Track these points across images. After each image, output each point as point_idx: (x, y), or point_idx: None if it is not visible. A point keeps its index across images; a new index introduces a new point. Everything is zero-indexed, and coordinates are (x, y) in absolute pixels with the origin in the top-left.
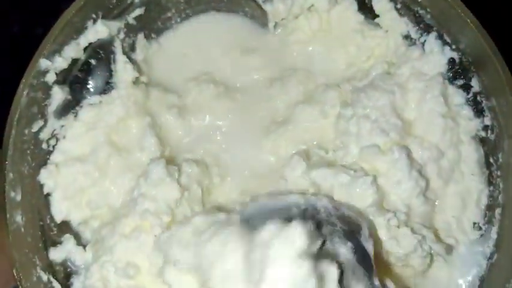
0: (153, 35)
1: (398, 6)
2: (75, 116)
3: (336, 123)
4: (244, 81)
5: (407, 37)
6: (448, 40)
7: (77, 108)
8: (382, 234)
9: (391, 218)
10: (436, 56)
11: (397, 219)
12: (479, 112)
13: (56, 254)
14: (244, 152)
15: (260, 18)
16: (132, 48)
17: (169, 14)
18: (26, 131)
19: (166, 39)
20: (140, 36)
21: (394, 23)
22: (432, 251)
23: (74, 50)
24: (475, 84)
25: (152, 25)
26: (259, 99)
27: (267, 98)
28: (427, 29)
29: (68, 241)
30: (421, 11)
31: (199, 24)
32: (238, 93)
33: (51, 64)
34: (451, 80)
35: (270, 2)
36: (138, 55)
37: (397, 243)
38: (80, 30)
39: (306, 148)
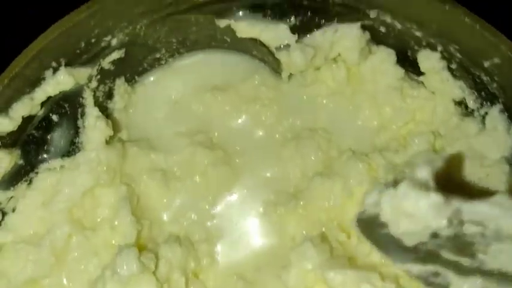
0: (136, 78)
1: (454, 66)
2: (29, 184)
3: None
4: (248, 139)
5: (460, 103)
6: None
7: (31, 174)
8: None
9: None
10: (500, 135)
11: None
12: None
13: None
14: (241, 228)
15: (271, 63)
16: (109, 95)
17: (157, 55)
18: None
19: (153, 80)
20: (119, 81)
21: (445, 85)
22: None
23: (26, 107)
24: None
25: (136, 67)
26: (266, 162)
27: (275, 161)
28: (490, 98)
29: None
30: (484, 77)
31: (196, 62)
32: (238, 158)
33: None
34: None
35: (285, 51)
36: (117, 103)
37: None
38: (35, 82)
39: (322, 231)
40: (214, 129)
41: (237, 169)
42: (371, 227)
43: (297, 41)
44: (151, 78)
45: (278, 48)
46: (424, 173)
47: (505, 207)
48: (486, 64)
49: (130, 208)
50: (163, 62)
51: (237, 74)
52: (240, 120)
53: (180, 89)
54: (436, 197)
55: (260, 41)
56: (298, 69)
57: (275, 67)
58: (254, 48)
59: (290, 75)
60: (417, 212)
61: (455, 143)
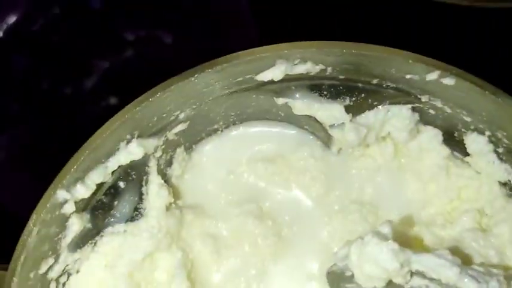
0: (193, 146)
1: (500, 150)
2: (94, 247)
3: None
4: (296, 211)
5: (505, 185)
6: None
7: (97, 238)
8: None
9: None
10: None
11: None
12: None
13: None
14: None
15: (323, 137)
16: (169, 163)
17: (215, 126)
18: (32, 275)
19: (208, 149)
20: (179, 150)
21: (490, 167)
22: None
23: (100, 176)
24: None
25: (195, 137)
26: (312, 237)
27: (323, 232)
28: None
29: None
30: None
31: (249, 133)
32: (286, 228)
33: (71, 195)
34: None
35: (339, 128)
36: (175, 170)
37: None
38: (110, 153)
39: None
40: (264, 199)
41: (285, 239)
42: (338, 280)
43: (350, 120)
44: (207, 147)
45: (332, 126)
46: (386, 229)
47: (445, 259)
48: None
49: (185, 273)
50: (219, 132)
51: (288, 146)
52: (289, 191)
53: (232, 158)
54: (393, 244)
55: (315, 118)
56: (350, 146)
57: (326, 141)
58: (307, 123)
59: (339, 150)
60: (378, 256)
61: (501, 224)
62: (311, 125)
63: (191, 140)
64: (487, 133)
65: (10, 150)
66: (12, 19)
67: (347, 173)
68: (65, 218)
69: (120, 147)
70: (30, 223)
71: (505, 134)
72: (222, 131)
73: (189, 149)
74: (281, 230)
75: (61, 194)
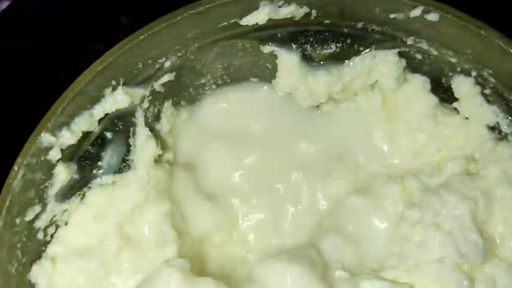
0: (182, 103)
1: (487, 91)
2: (82, 199)
3: (396, 225)
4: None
5: (494, 129)
6: None
7: (85, 189)
8: None
9: None
10: None
11: None
12: None
13: None
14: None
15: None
16: (157, 117)
17: (203, 80)
18: (18, 221)
19: (198, 107)
20: (167, 104)
21: (478, 111)
22: None
23: (86, 122)
24: None
25: (182, 92)
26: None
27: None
28: None
29: None
30: None
31: (238, 94)
32: (280, 184)
33: (56, 140)
34: None
35: (324, 74)
36: (164, 126)
37: None
38: (96, 99)
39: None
40: (256, 158)
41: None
42: None
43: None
44: (196, 105)
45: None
46: None
47: None
48: None
49: (173, 225)
50: (207, 89)
51: (277, 105)
52: (281, 151)
53: (222, 117)
54: None
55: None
56: (332, 92)
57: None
58: None
59: (327, 101)
60: None
61: (489, 166)
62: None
63: (179, 95)
64: (474, 73)
65: None
66: (5, 3)
67: (335, 127)
68: (51, 166)
69: (106, 94)
70: (15, 166)
71: (491, 72)
72: (210, 87)
73: (177, 105)
74: (275, 185)
75: (46, 138)
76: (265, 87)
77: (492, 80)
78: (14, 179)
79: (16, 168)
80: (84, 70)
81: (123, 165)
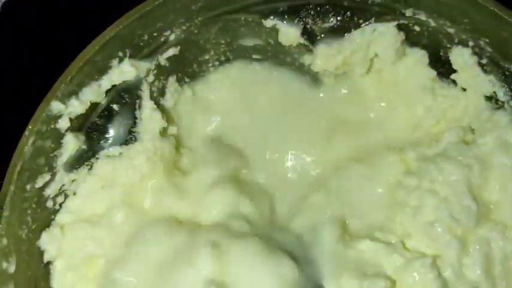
0: (186, 79)
1: (484, 61)
2: (90, 170)
3: (393, 192)
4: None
5: (491, 98)
6: None
7: (93, 160)
8: None
9: None
10: None
11: None
12: None
13: None
14: None
15: (310, 71)
16: (162, 93)
17: (206, 57)
18: (28, 187)
19: (201, 85)
20: (171, 80)
21: (475, 81)
22: None
23: (94, 93)
24: None
25: (186, 68)
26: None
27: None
28: None
29: None
30: None
31: (240, 71)
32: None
33: (65, 108)
34: None
35: (324, 47)
36: (168, 101)
37: None
38: (103, 70)
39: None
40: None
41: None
42: None
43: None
44: (199, 82)
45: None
46: None
47: None
48: None
49: (180, 195)
50: (210, 66)
51: (277, 83)
52: (280, 127)
53: (224, 96)
54: None
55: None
56: (334, 65)
57: (315, 75)
58: (295, 52)
59: (328, 77)
60: None
61: (486, 134)
62: (300, 53)
63: (183, 70)
64: (471, 43)
65: None
66: None
67: (337, 104)
68: (60, 135)
69: (113, 66)
70: (26, 132)
71: (487, 41)
72: (213, 64)
73: (181, 81)
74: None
75: (56, 105)
76: (267, 64)
77: (488, 49)
78: (25, 145)
79: (27, 134)
80: None
81: (130, 137)
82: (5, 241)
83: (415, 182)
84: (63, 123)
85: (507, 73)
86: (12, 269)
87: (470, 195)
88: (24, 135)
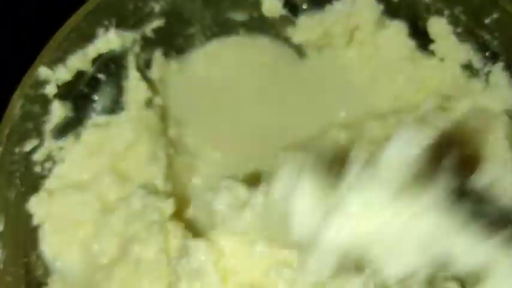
0: (172, 53)
1: (459, 30)
2: (77, 138)
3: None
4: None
5: (467, 67)
6: None
7: (80, 128)
8: None
9: None
10: (502, 90)
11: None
12: None
13: None
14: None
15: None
16: (148, 65)
17: (192, 30)
18: (17, 150)
19: (187, 59)
20: (158, 53)
21: (452, 50)
22: None
23: (80, 61)
24: None
25: (172, 41)
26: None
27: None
28: (492, 57)
29: (56, 284)
30: (486, 36)
31: (227, 46)
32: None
33: (53, 74)
34: None
35: (306, 19)
36: (154, 74)
37: None
38: (89, 38)
39: None
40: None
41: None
42: None
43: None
44: (186, 56)
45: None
46: None
47: None
48: (487, 21)
49: (167, 161)
50: (197, 41)
51: (264, 57)
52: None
53: (211, 70)
54: None
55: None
56: (315, 36)
57: (300, 47)
58: (280, 25)
59: (310, 49)
60: None
61: (462, 100)
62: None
63: (169, 44)
64: (446, 12)
65: None
66: None
67: (320, 75)
68: (48, 100)
69: (99, 34)
70: (15, 95)
71: (461, 9)
72: (199, 40)
73: (167, 55)
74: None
75: (43, 71)
76: (252, 38)
77: (463, 17)
78: (14, 108)
79: (15, 98)
80: None
81: (116, 107)
82: None
83: None
84: (51, 89)
85: (481, 41)
86: (0, 228)
87: None
88: (13, 99)
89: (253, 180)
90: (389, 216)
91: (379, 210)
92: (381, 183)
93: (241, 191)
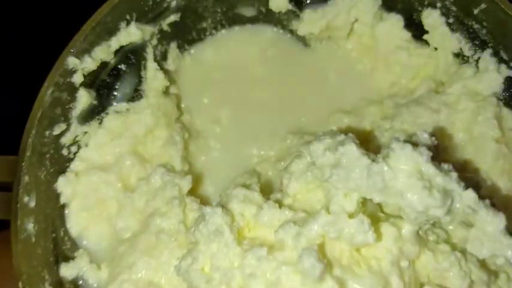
0: (186, 46)
1: (451, 20)
2: (100, 123)
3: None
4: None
5: (458, 55)
6: (505, 57)
7: (103, 114)
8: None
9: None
10: (491, 75)
11: (436, 235)
12: None
13: (67, 271)
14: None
15: (299, 37)
16: (164, 57)
17: (204, 25)
18: (47, 133)
19: (199, 51)
20: (173, 46)
21: (444, 39)
22: (474, 276)
23: (104, 52)
24: None
25: (186, 35)
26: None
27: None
28: (481, 45)
29: (82, 257)
30: (475, 26)
31: (234, 36)
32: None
33: (80, 63)
34: (508, 100)
35: (310, 12)
36: (170, 65)
37: (433, 256)
38: (112, 31)
39: None
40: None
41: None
42: None
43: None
44: (197, 48)
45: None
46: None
47: None
48: (476, 11)
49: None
50: (208, 34)
51: (268, 47)
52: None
53: (220, 61)
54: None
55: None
56: (319, 29)
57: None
58: (284, 19)
59: (314, 40)
60: None
61: (453, 84)
62: (289, 20)
63: (184, 37)
64: (438, 5)
65: None
66: None
67: (324, 63)
68: (75, 89)
69: (121, 28)
70: (46, 83)
71: (452, 1)
72: (210, 32)
73: (182, 48)
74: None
75: (71, 60)
76: (259, 31)
77: (453, 8)
78: (45, 95)
79: (46, 85)
80: None
81: (136, 95)
82: (26, 178)
83: (388, 124)
84: (77, 78)
85: (470, 30)
86: (32, 204)
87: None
88: (44, 86)
89: None
90: None
91: None
92: None
93: None
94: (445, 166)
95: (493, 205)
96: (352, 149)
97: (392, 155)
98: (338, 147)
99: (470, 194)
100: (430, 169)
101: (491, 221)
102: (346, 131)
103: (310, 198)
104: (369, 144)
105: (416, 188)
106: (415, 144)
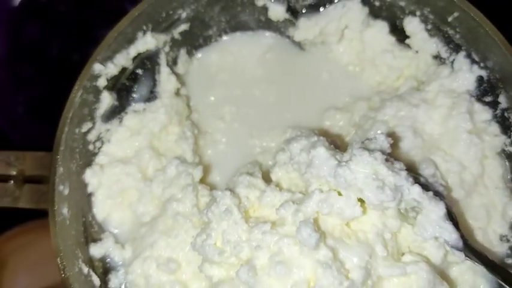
0: (194, 51)
1: (429, 27)
2: (120, 122)
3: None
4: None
5: (436, 57)
6: (477, 59)
7: (122, 114)
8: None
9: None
10: (464, 74)
11: (416, 212)
12: (506, 128)
13: (95, 250)
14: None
15: (295, 42)
16: (175, 62)
17: (210, 32)
18: (77, 130)
19: (205, 55)
20: (183, 51)
21: (424, 43)
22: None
23: (124, 59)
24: (503, 101)
25: (194, 41)
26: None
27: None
28: (456, 48)
29: (108, 239)
30: (450, 31)
31: (237, 42)
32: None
33: (104, 69)
34: (479, 97)
35: (304, 20)
36: (179, 69)
37: (412, 229)
38: (131, 40)
39: None
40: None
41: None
42: None
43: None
44: (203, 52)
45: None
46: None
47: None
48: (450, 19)
49: (193, 138)
50: (213, 40)
51: (265, 51)
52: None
53: (223, 63)
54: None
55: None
56: (312, 36)
57: (297, 45)
58: (282, 26)
59: (308, 44)
60: None
61: (431, 83)
62: (286, 27)
63: (192, 44)
64: (418, 13)
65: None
66: None
67: (318, 66)
68: (99, 91)
69: (138, 37)
70: (76, 86)
71: (429, 9)
72: (215, 39)
73: (190, 53)
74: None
75: (97, 66)
76: (259, 37)
77: (431, 16)
78: (75, 97)
79: (76, 88)
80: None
81: (151, 96)
82: (61, 169)
83: (372, 114)
84: (102, 82)
85: (446, 35)
86: (66, 191)
87: (412, 128)
88: (74, 89)
89: None
90: None
91: None
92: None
93: None
94: (397, 165)
95: (437, 194)
96: (321, 152)
97: (354, 158)
98: (310, 149)
99: (416, 189)
100: (383, 170)
101: (433, 209)
102: (337, 127)
103: (291, 186)
104: (358, 130)
105: (371, 186)
106: (375, 145)
